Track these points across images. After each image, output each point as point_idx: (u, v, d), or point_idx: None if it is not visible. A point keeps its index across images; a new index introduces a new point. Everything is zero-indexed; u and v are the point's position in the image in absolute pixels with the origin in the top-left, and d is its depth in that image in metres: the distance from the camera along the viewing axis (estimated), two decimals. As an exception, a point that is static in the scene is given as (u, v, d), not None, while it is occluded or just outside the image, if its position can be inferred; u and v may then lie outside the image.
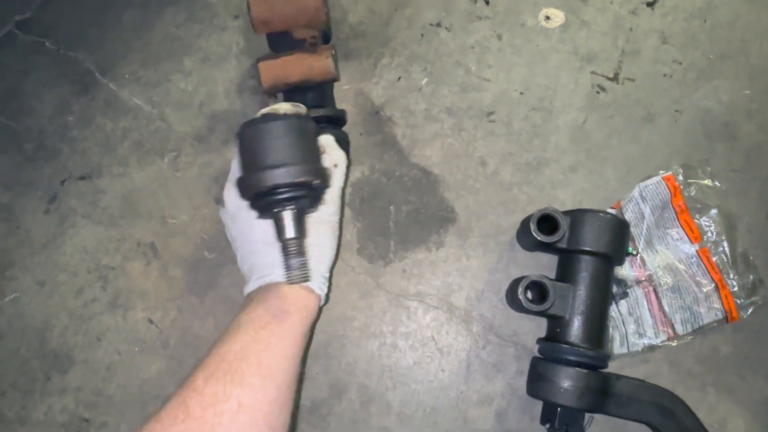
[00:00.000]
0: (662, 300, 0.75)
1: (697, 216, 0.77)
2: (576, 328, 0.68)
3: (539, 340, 0.71)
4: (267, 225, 0.59)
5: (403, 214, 0.80)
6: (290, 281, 0.57)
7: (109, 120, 0.85)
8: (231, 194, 0.62)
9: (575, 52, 0.83)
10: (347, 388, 0.75)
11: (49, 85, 0.86)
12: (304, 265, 0.57)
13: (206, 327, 0.78)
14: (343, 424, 0.74)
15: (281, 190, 0.54)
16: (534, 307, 0.68)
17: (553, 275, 0.73)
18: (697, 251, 0.76)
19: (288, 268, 0.57)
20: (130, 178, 0.83)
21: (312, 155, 0.57)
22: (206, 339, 0.77)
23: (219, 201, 0.67)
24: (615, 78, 0.82)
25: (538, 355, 0.72)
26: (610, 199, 0.79)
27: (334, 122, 0.76)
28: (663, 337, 0.74)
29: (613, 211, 0.78)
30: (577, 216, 0.70)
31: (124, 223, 0.81)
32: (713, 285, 0.74)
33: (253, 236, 0.61)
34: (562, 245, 0.70)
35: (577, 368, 0.66)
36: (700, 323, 0.74)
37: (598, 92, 0.82)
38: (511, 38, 0.84)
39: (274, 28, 0.69)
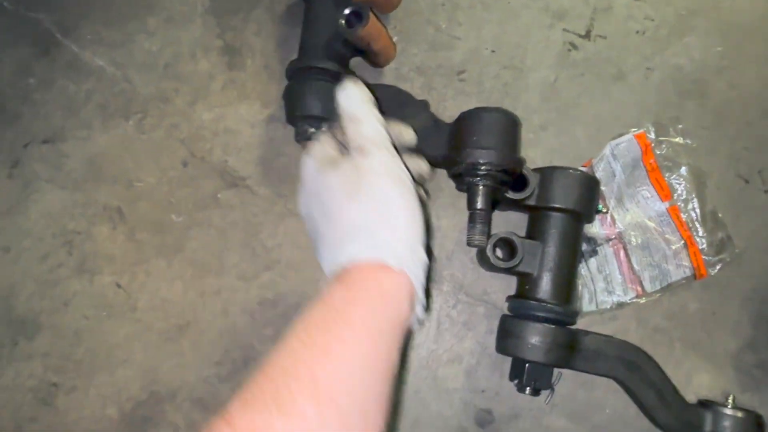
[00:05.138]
0: (631, 258, 0.75)
1: (667, 174, 0.76)
2: (545, 284, 0.68)
3: (509, 298, 0.71)
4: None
5: (373, 175, 0.79)
6: (470, 242, 0.62)
7: (72, 82, 0.83)
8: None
9: (546, 9, 0.82)
10: (317, 349, 0.75)
11: (9, 47, 0.83)
12: (484, 233, 0.63)
13: (174, 290, 0.77)
14: (313, 384, 0.74)
15: (485, 167, 0.62)
16: (502, 264, 0.67)
17: (524, 235, 0.73)
18: (667, 209, 0.76)
19: (470, 230, 0.63)
20: (95, 141, 0.81)
21: (515, 148, 0.66)
22: (174, 302, 0.77)
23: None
24: (587, 35, 0.81)
25: (508, 314, 0.72)
26: (580, 158, 0.78)
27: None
28: (632, 294, 0.75)
29: (584, 170, 0.77)
30: (546, 173, 0.69)
31: (89, 187, 0.80)
32: (682, 242, 0.75)
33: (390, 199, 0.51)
34: (531, 202, 0.69)
35: (545, 324, 0.66)
36: (669, 280, 0.74)
37: (569, 50, 0.81)
38: (483, -5, 0.83)
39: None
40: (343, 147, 0.60)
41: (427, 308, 0.60)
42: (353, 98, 0.58)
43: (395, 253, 0.48)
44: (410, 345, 0.75)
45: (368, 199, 0.50)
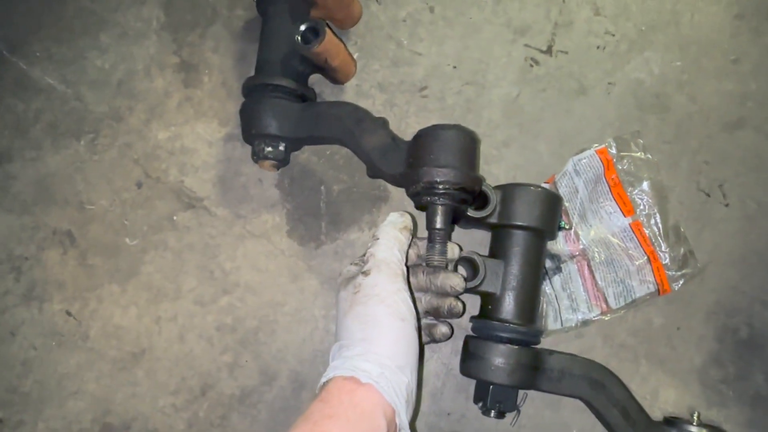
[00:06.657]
0: (596, 274, 0.75)
1: (629, 189, 0.76)
2: (508, 304, 0.67)
3: (472, 318, 0.70)
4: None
5: (335, 194, 0.77)
6: (428, 263, 0.61)
7: (20, 101, 0.80)
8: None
9: (508, 25, 0.81)
10: (278, 375, 0.73)
11: (-47, 65, 0.80)
12: (443, 253, 0.62)
13: (128, 317, 0.74)
14: (274, 411, 0.72)
15: (442, 186, 0.61)
16: (464, 284, 0.66)
17: (487, 253, 0.72)
18: (629, 224, 0.75)
19: (429, 250, 0.62)
20: (44, 162, 0.78)
21: (473, 166, 0.64)
22: (128, 329, 0.74)
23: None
24: (548, 51, 0.81)
25: (472, 334, 0.70)
26: (544, 174, 0.78)
27: None
28: (596, 311, 0.74)
29: (547, 186, 0.77)
30: (508, 190, 0.68)
31: (39, 210, 0.77)
32: (645, 258, 0.74)
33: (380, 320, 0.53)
34: (493, 220, 0.68)
35: (509, 345, 0.65)
36: (633, 296, 0.74)
37: (531, 65, 0.80)
38: (444, 10, 0.82)
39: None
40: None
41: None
42: (386, 221, 0.61)
43: (366, 368, 0.49)
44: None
45: (354, 318, 0.53)
